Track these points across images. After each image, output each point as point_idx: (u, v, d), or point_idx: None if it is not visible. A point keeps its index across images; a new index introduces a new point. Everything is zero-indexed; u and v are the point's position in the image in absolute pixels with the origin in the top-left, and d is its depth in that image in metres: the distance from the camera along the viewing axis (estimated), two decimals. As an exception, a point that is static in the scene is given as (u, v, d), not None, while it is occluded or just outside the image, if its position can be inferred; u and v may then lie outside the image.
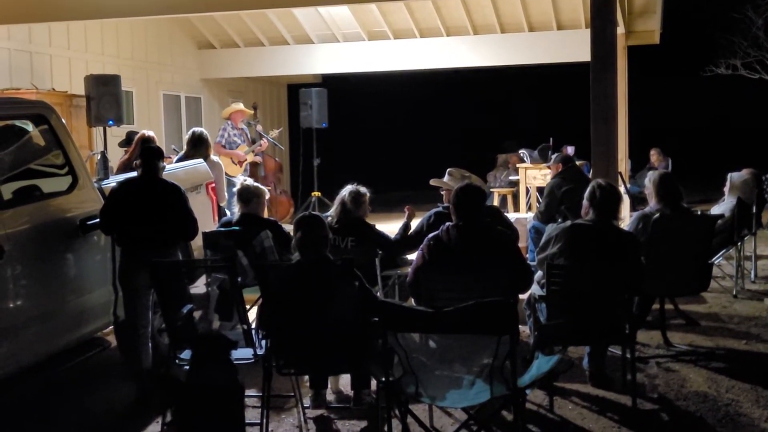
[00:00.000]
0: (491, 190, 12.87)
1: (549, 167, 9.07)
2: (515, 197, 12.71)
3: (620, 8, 9.74)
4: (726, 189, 8.21)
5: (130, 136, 8.75)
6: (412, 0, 11.92)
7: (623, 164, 11.20)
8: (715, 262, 7.21)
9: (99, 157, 6.99)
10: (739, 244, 7.65)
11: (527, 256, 7.65)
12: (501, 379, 3.72)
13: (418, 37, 13.23)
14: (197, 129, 7.81)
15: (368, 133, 20.99)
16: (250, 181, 6.38)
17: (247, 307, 4.81)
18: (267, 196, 6.30)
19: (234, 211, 6.45)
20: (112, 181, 5.80)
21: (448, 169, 6.54)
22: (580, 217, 5.27)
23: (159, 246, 5.08)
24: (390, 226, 6.41)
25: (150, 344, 5.19)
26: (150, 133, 7.63)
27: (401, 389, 3.87)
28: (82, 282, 5.26)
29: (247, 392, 5.28)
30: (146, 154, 5.35)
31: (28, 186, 5.23)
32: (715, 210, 7.74)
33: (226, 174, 8.21)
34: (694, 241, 5.94)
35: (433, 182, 6.62)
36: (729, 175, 8.27)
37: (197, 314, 4.98)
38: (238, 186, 6.23)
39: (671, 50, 16.50)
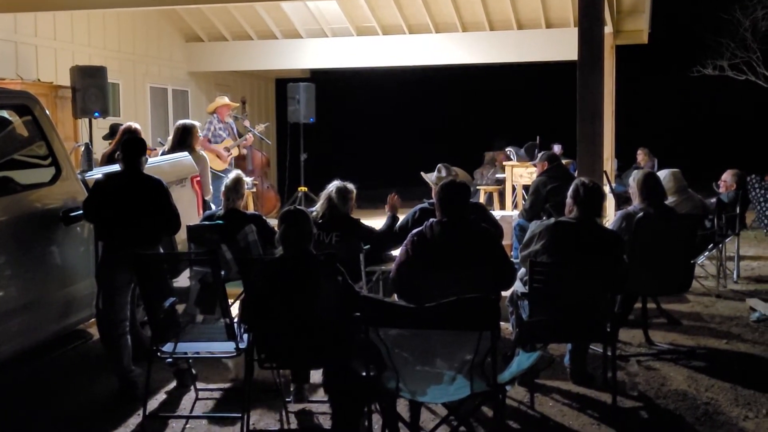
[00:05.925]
0: (477, 187, 12.90)
1: (535, 165, 9.08)
2: (501, 195, 12.74)
3: (609, 7, 9.78)
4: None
5: (114, 128, 8.70)
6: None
7: (609, 163, 11.22)
8: (698, 262, 7.25)
9: (83, 148, 6.94)
10: (720, 245, 7.69)
11: (512, 253, 7.67)
12: (481, 375, 3.74)
13: (406, 33, 13.22)
14: (183, 121, 7.78)
15: (356, 128, 20.94)
16: (243, 176, 6.28)
17: (230, 301, 4.81)
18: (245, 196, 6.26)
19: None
20: (96, 173, 5.76)
21: (438, 165, 6.54)
22: (564, 215, 5.29)
23: (140, 245, 4.95)
24: (375, 222, 6.39)
25: (129, 337, 5.16)
26: (135, 125, 7.56)
27: (382, 384, 3.88)
28: (65, 273, 5.23)
29: (227, 385, 5.30)
30: (127, 148, 5.23)
31: (9, 176, 5.20)
32: None
33: (211, 168, 8.17)
34: (676, 240, 5.97)
35: (423, 175, 6.63)
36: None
37: (180, 308, 4.96)
38: (231, 177, 6.14)
39: (659, 50, 16.57)
